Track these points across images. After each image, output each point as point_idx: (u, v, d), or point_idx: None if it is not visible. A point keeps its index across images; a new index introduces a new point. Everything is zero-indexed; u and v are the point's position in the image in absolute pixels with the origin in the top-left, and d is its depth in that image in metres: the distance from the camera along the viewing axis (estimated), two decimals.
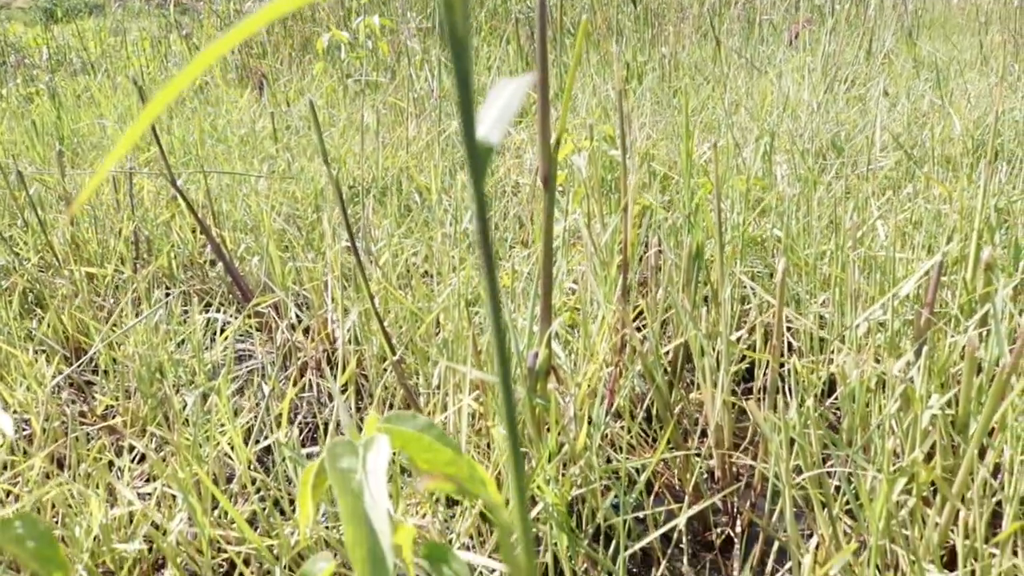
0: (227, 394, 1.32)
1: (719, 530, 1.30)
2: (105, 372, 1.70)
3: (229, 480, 1.40)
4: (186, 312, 1.86)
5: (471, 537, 1.20)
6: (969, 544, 1.06)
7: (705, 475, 1.39)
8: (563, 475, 1.12)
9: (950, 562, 1.14)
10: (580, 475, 1.16)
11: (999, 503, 1.18)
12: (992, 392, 1.03)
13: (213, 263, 2.15)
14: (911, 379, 1.18)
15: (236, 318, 1.79)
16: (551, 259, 1.07)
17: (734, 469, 1.41)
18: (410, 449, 0.62)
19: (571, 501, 1.21)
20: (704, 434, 1.41)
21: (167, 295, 1.97)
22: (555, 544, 1.12)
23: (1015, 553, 1.04)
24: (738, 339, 1.49)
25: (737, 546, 1.27)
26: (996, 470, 1.28)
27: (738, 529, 1.30)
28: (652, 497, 1.31)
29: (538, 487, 1.09)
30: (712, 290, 1.47)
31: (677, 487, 1.35)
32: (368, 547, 0.56)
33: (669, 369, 1.47)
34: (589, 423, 1.16)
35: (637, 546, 1.15)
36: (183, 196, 1.73)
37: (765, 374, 1.52)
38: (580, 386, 1.24)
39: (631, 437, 1.34)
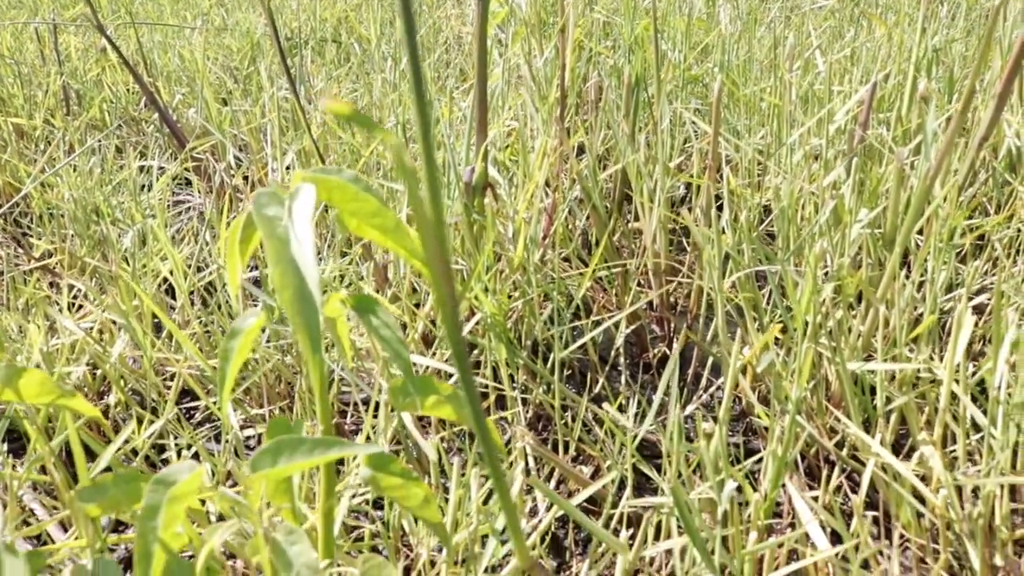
0: (166, 230, 1.31)
1: (656, 350, 1.33)
2: (40, 218, 1.67)
3: (172, 310, 1.40)
4: (121, 161, 1.83)
5: (416, 346, 1.22)
6: (889, 340, 1.10)
7: (644, 306, 1.42)
8: (500, 287, 1.14)
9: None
10: (518, 291, 1.18)
11: (920, 315, 1.22)
12: (917, 194, 1.06)
13: (147, 120, 2.10)
14: (842, 195, 1.21)
15: (173, 165, 1.76)
16: (485, 69, 1.06)
17: (671, 298, 1.44)
18: (336, 199, 0.63)
19: (509, 316, 1.23)
20: (644, 267, 1.43)
21: (100, 144, 1.92)
22: (494, 357, 1.14)
23: (931, 351, 1.08)
24: (677, 166, 1.50)
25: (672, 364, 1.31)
26: (920, 288, 1.32)
27: (675, 349, 1.34)
28: (590, 320, 1.34)
29: (475, 297, 1.10)
30: (652, 122, 1.48)
31: (615, 311, 1.38)
32: (295, 288, 0.57)
33: (608, 196, 1.48)
34: (526, 243, 1.17)
35: (568, 351, 1.17)
36: (112, 44, 1.68)
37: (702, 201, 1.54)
38: (518, 210, 1.24)
39: (569, 253, 1.35)
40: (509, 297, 1.17)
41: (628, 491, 0.92)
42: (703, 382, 1.21)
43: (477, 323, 1.14)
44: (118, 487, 0.65)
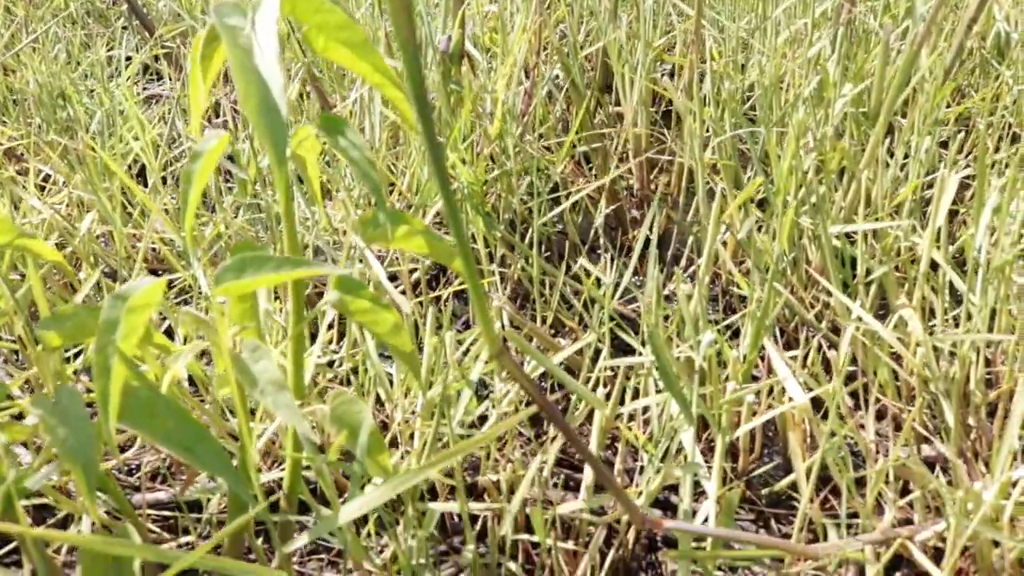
0: (136, 107, 1.28)
1: (636, 232, 1.32)
2: (4, 105, 1.62)
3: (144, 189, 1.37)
4: (89, 55, 1.77)
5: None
6: (872, 212, 1.09)
7: (624, 191, 1.40)
8: (478, 156, 1.11)
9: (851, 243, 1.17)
10: (496, 164, 1.16)
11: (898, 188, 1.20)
12: (903, 64, 1.04)
13: (117, 14, 2.04)
14: (827, 69, 1.18)
15: (143, 51, 1.71)
16: None
17: (652, 186, 1.42)
18: (300, 11, 0.60)
19: (486, 192, 1.21)
20: (623, 158, 1.41)
21: (65, 33, 1.86)
22: (471, 228, 1.12)
23: (912, 221, 1.07)
24: (660, 49, 1.47)
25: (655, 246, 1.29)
26: (903, 168, 1.30)
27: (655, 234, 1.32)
28: (569, 201, 1.32)
29: (452, 166, 1.08)
30: (634, 4, 1.44)
31: (595, 198, 1.36)
32: (259, 98, 0.54)
33: (588, 83, 1.45)
34: (504, 114, 1.14)
35: (545, 218, 1.15)
36: None
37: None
38: (496, 84, 1.21)
39: (546, 131, 1.32)
40: (486, 171, 1.15)
41: (605, 351, 0.91)
42: (683, 261, 1.20)
43: (453, 192, 1.12)
44: (79, 316, 0.63)
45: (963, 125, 1.43)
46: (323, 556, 0.87)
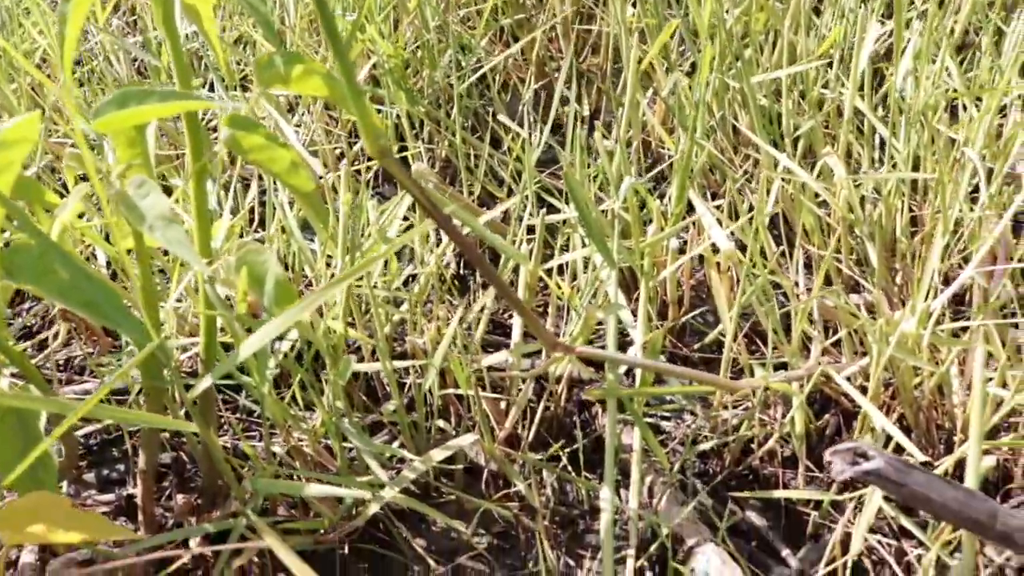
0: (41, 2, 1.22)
1: (566, 108, 1.29)
2: None
3: None
4: None
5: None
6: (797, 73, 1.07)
7: (555, 71, 1.37)
8: (396, 30, 1.08)
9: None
10: (413, 35, 1.12)
11: None
12: None
13: None
14: None
15: None
16: None
17: (583, 63, 1.39)
18: None
19: (408, 68, 1.17)
20: (553, 39, 1.37)
21: None
22: (395, 109, 1.09)
23: None
24: None
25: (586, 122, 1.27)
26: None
27: (586, 112, 1.30)
28: (499, 86, 1.29)
29: (370, 40, 1.05)
30: None
31: (523, 77, 1.33)
32: None
33: None
34: None
35: (467, 82, 1.13)
36: None
37: None
38: None
39: (471, 13, 1.29)
40: (406, 46, 1.11)
41: (530, 207, 0.89)
42: (614, 133, 1.18)
43: (374, 68, 1.09)
44: None
45: None
46: (257, 432, 0.86)
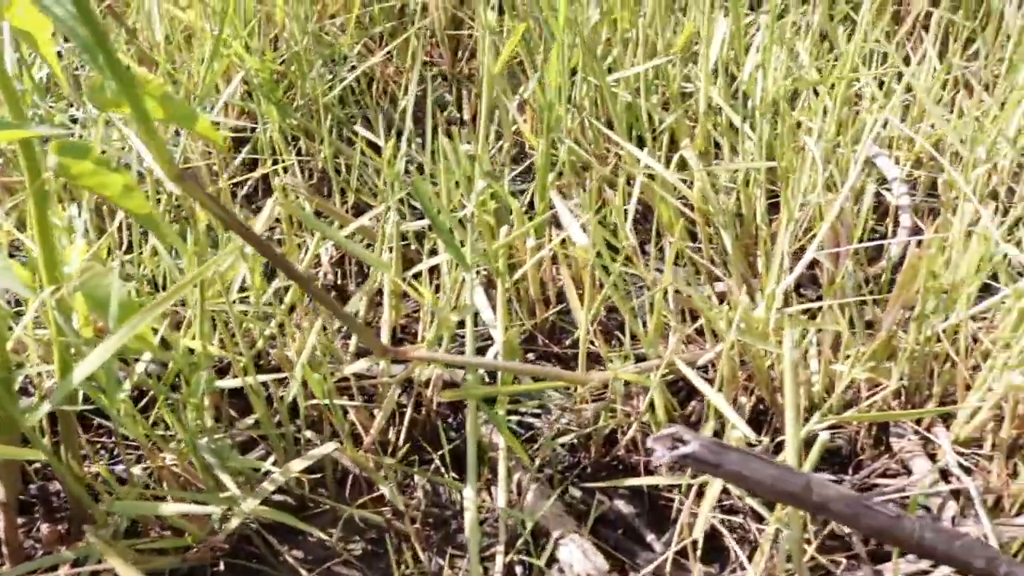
0: None
1: (447, 113, 1.31)
2: None
3: None
4: None
5: None
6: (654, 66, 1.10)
7: (438, 76, 1.39)
8: (265, 46, 1.08)
9: None
10: (285, 48, 1.13)
11: None
12: None
13: None
14: None
15: None
16: None
17: (460, 68, 1.40)
18: None
19: (279, 80, 1.18)
20: (433, 37, 1.38)
21: None
22: (266, 121, 1.09)
23: None
24: None
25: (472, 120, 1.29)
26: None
27: (467, 115, 1.31)
28: (374, 96, 1.30)
29: (236, 55, 1.04)
30: None
31: (400, 82, 1.34)
32: None
33: None
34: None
35: (335, 91, 1.13)
36: None
37: None
38: None
39: (338, 9, 1.29)
40: (275, 53, 1.12)
41: (394, 217, 0.90)
42: (492, 137, 1.20)
43: (244, 83, 1.09)
44: None
45: None
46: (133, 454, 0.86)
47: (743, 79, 0.96)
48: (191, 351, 0.75)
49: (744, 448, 0.54)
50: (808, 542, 0.71)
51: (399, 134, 1.25)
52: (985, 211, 0.81)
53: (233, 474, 0.72)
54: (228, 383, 0.78)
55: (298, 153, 1.16)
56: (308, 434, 0.81)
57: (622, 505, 0.81)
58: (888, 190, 1.05)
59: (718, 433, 0.81)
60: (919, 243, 0.87)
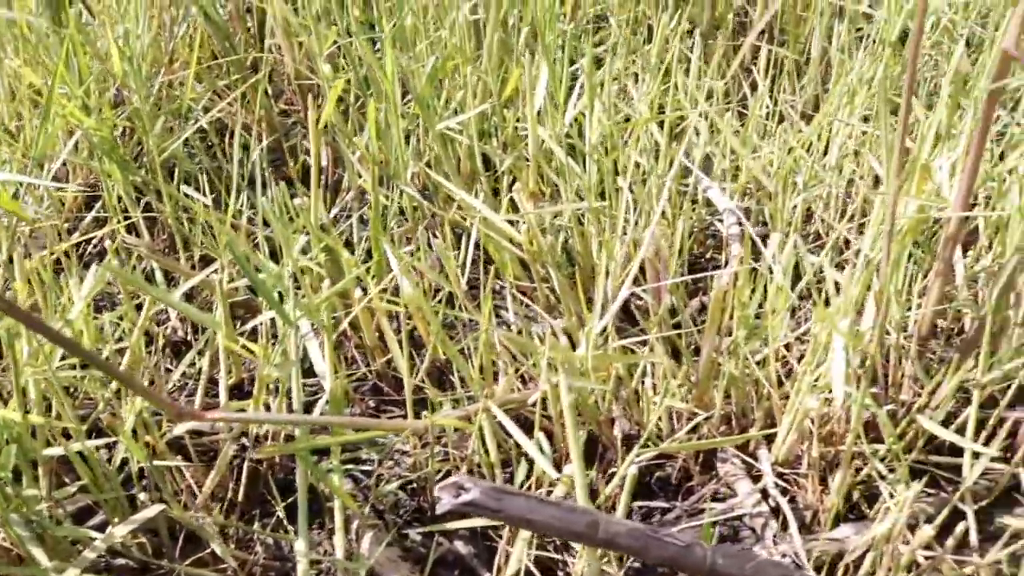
0: None
1: (298, 162, 1.32)
2: None
3: None
4: None
5: None
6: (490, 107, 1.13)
7: (297, 123, 1.40)
8: (103, 103, 1.08)
9: None
10: (128, 108, 1.13)
11: None
12: None
13: None
14: None
15: None
16: None
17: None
18: None
19: (123, 134, 1.17)
20: (282, 95, 1.39)
21: None
22: (111, 180, 1.09)
23: None
24: None
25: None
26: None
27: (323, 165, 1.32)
28: (228, 141, 1.30)
29: (71, 115, 1.04)
30: None
31: (255, 129, 1.34)
32: None
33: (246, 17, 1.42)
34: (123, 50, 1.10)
35: (171, 144, 1.14)
36: None
37: None
38: (123, 23, 1.17)
39: (180, 65, 1.29)
40: (113, 109, 1.11)
41: (224, 276, 0.91)
42: (345, 183, 1.21)
43: (78, 145, 1.08)
44: None
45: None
46: None
47: (568, 120, 0.99)
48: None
49: (527, 492, 0.56)
50: None
51: (251, 183, 1.26)
52: (798, 239, 0.86)
53: (58, 543, 0.71)
54: (54, 451, 0.77)
55: (147, 208, 1.15)
56: (142, 496, 0.81)
57: (460, 546, 0.83)
58: (721, 220, 1.10)
59: (559, 465, 0.84)
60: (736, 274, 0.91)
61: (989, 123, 0.78)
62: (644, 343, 0.93)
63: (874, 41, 1.18)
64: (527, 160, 1.05)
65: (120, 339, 1.01)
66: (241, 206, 1.10)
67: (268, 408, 0.85)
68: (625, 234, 0.92)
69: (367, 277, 0.92)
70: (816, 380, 0.78)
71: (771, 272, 0.82)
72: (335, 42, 1.12)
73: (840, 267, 1.04)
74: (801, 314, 1.04)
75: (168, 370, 1.00)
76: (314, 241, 0.90)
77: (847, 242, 1.09)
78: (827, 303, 0.86)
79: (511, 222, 0.96)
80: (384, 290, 0.91)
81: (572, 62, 1.14)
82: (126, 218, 1.14)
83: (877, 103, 1.04)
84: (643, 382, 0.90)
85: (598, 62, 1.35)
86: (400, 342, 0.83)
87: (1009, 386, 0.82)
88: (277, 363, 0.75)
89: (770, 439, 0.88)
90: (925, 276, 0.95)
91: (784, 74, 1.32)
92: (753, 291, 0.82)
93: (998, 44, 0.75)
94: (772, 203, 1.00)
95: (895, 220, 0.77)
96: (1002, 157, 1.12)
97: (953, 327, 1.01)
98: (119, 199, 1.13)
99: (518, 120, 1.07)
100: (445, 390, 0.94)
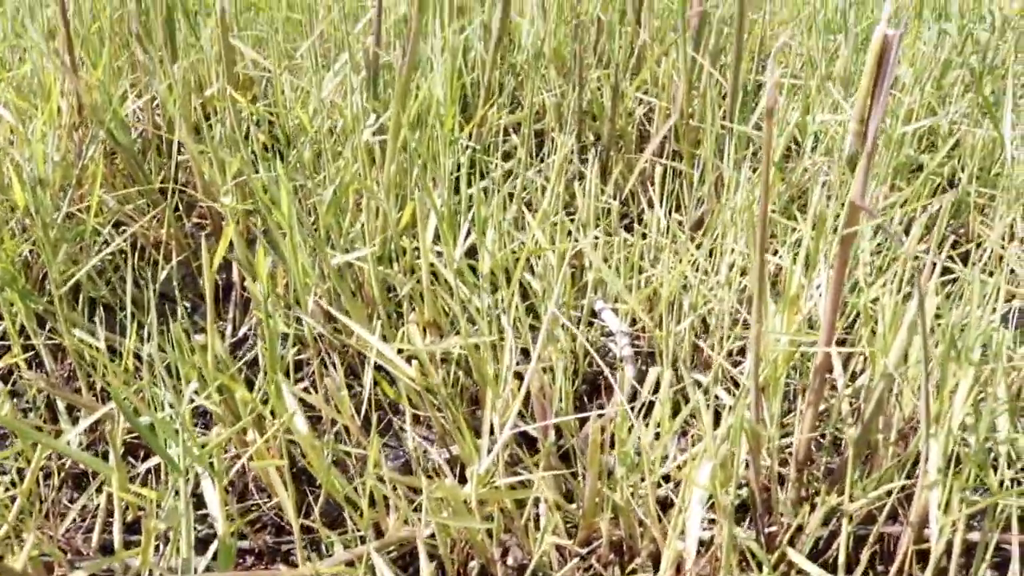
0: None
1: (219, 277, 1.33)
2: None
3: None
4: None
5: None
6: (381, 236, 1.16)
7: (192, 226, 1.42)
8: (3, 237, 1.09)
9: None
10: (31, 236, 1.14)
11: None
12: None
13: None
14: None
15: None
16: None
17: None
18: None
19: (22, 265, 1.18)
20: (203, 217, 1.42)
21: None
22: (12, 308, 1.10)
23: None
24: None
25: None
26: None
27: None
28: (138, 258, 1.32)
29: None
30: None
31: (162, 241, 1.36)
32: None
33: (139, 127, 1.44)
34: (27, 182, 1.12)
35: (82, 268, 1.14)
36: None
37: None
38: (31, 147, 1.19)
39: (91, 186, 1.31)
40: (14, 237, 1.13)
41: (119, 421, 0.92)
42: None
43: None
44: None
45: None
46: None
47: (462, 250, 1.03)
48: None
49: None
50: None
51: (163, 298, 1.28)
52: (682, 366, 0.89)
53: None
54: None
55: (53, 332, 1.16)
56: None
57: None
58: (614, 342, 1.14)
59: None
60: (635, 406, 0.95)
61: (845, 266, 0.83)
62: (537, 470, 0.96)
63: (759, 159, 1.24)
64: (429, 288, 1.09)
65: (21, 472, 1.01)
66: (148, 329, 1.11)
67: (158, 550, 0.85)
68: (518, 363, 0.95)
69: (265, 409, 0.94)
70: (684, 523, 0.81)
71: (649, 408, 0.86)
72: (239, 171, 1.15)
73: (729, 389, 1.08)
74: (693, 433, 1.08)
75: (68, 505, 1.01)
76: (210, 380, 0.91)
77: (736, 363, 1.14)
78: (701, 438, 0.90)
79: (402, 352, 0.98)
80: (279, 429, 0.92)
81: (472, 183, 1.18)
82: (30, 347, 1.15)
83: (747, 232, 1.09)
84: (536, 510, 0.93)
85: (504, 175, 1.39)
86: (285, 484, 0.85)
87: (884, 505, 0.86)
88: (163, 516, 0.76)
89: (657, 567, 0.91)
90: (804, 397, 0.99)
91: (682, 187, 1.38)
92: (631, 429, 0.85)
93: (847, 193, 0.80)
94: (659, 331, 1.04)
95: (760, 362, 0.82)
96: (882, 270, 1.19)
97: (838, 441, 1.05)
98: (21, 328, 1.14)
99: (415, 249, 1.11)
100: (339, 527, 0.95)
